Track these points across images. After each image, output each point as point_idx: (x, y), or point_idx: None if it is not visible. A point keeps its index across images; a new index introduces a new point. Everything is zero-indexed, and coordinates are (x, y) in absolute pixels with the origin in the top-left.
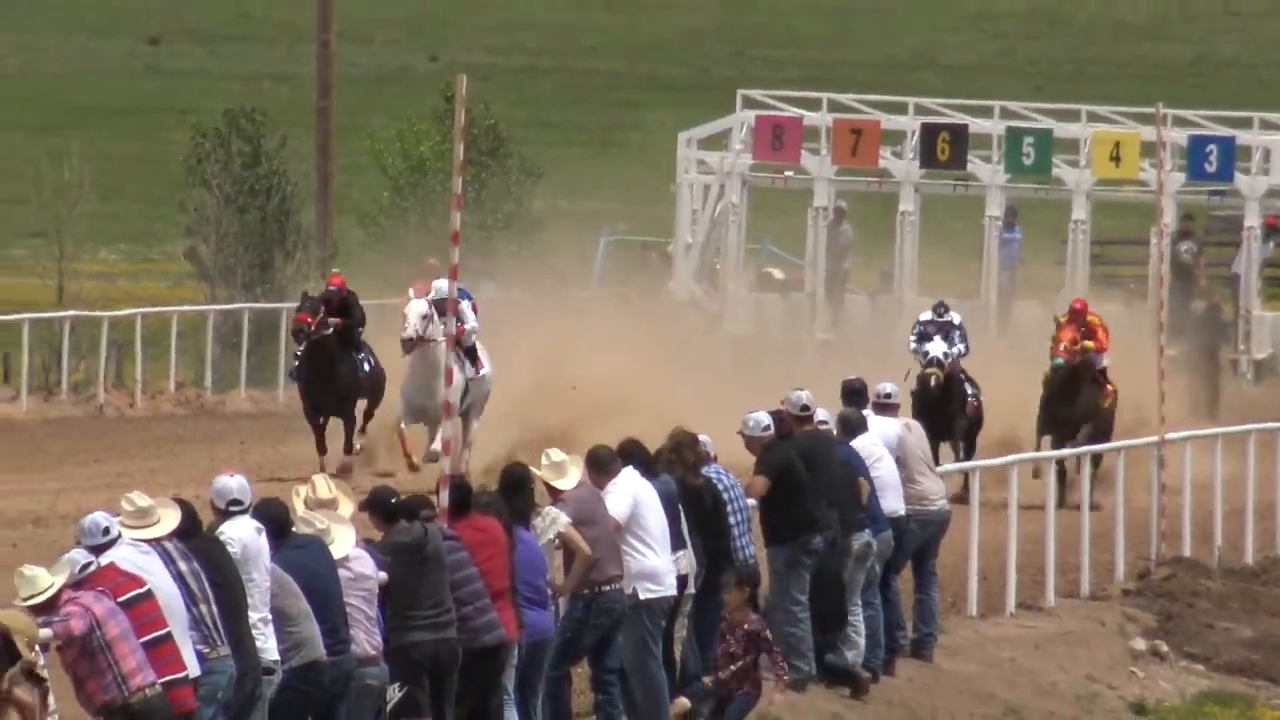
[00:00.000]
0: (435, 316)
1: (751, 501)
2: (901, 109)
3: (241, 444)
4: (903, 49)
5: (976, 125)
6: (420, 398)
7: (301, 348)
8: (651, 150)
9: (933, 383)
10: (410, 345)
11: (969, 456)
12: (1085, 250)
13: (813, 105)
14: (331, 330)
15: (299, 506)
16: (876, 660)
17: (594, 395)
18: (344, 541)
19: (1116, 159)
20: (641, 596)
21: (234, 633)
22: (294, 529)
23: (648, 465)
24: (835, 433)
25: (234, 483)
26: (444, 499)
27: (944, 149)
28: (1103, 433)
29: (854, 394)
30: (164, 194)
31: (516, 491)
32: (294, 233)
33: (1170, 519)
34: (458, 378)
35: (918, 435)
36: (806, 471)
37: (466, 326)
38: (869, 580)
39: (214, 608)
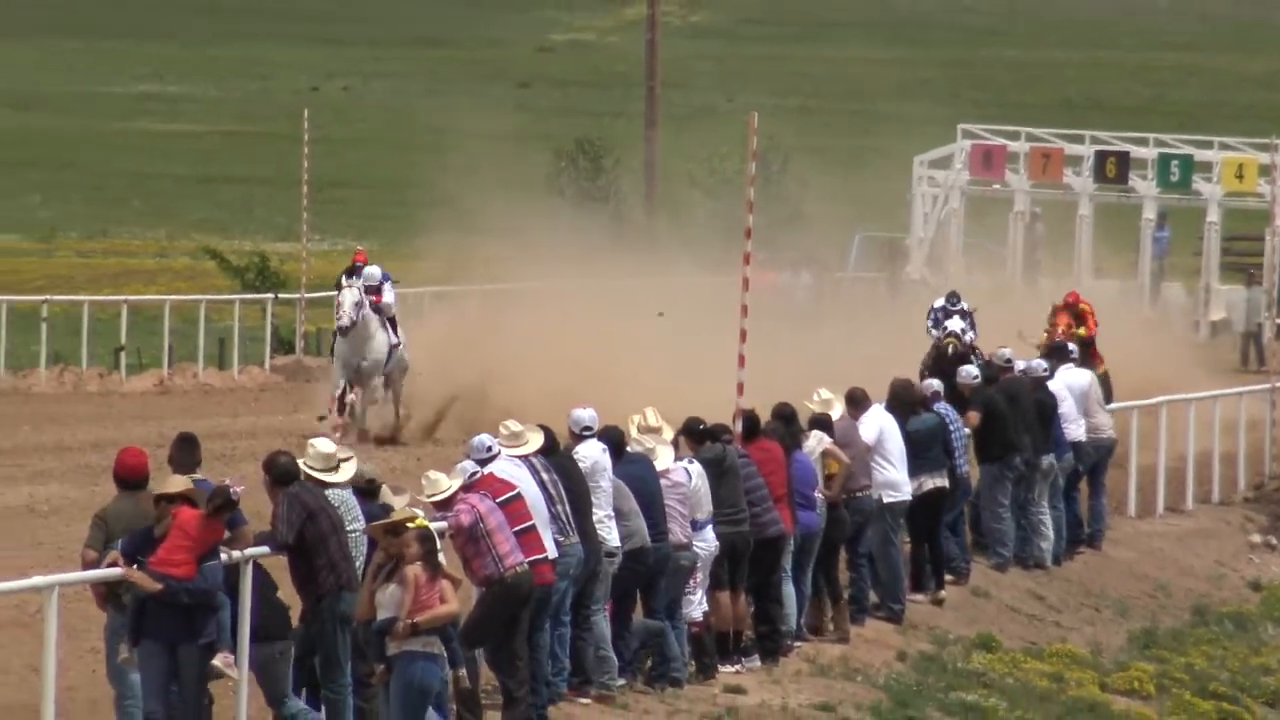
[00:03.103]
0: (366, 303)
1: (967, 430)
2: (1079, 139)
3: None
4: (1080, 94)
5: (1136, 151)
6: (354, 358)
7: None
8: (893, 169)
9: (950, 350)
10: (346, 332)
11: None
12: (1217, 244)
13: (1013, 136)
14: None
15: (632, 431)
16: (1060, 549)
17: (848, 355)
18: (665, 457)
19: (1240, 177)
20: (885, 500)
21: (581, 526)
22: (628, 448)
23: (913, 405)
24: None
25: (585, 414)
26: (738, 427)
27: (1111, 169)
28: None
29: (1057, 350)
30: (529, 199)
31: (791, 421)
32: (626, 229)
33: (1279, 445)
34: (382, 340)
35: (1095, 382)
36: (1009, 409)
37: (385, 300)
38: (1054, 490)
39: (567, 507)
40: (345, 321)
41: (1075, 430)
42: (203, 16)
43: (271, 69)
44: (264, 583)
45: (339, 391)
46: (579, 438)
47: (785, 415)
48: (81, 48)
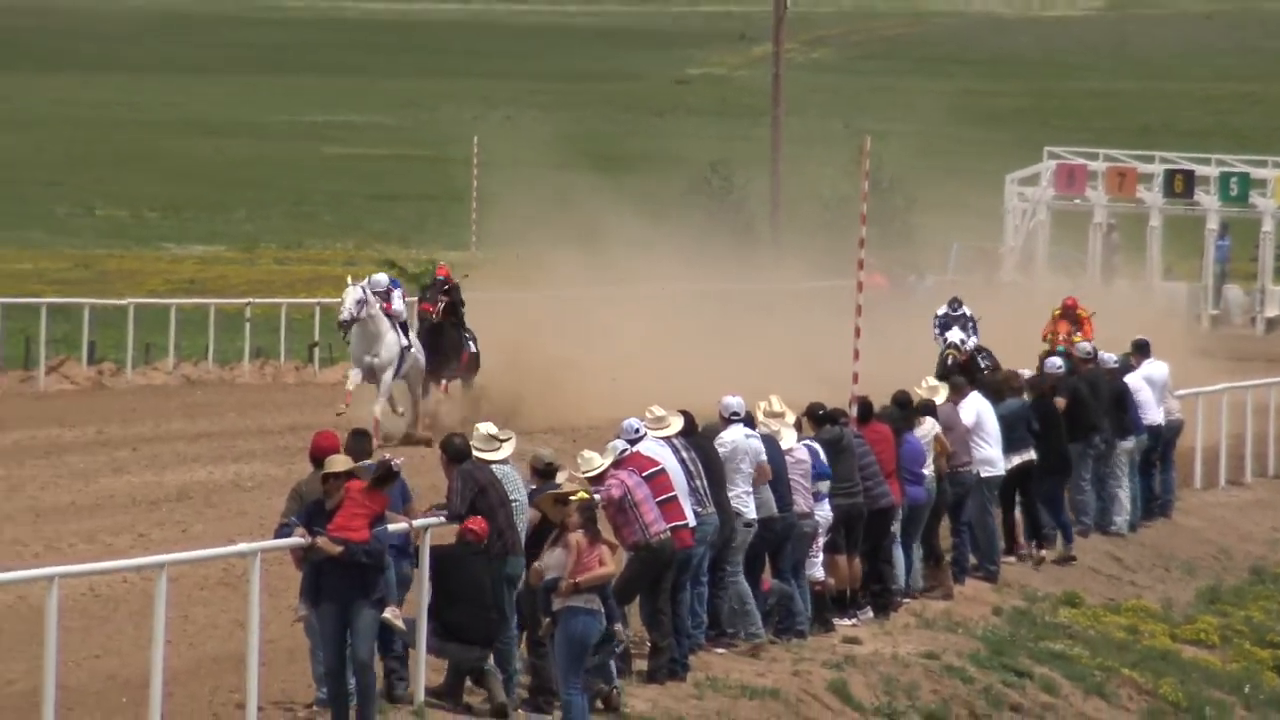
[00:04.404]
0: (370, 299)
1: None
2: (1150, 160)
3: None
4: (1153, 120)
5: (1200, 170)
6: (367, 357)
7: (422, 328)
8: (988, 186)
9: (950, 360)
10: (346, 326)
11: None
12: (1271, 250)
13: (1093, 157)
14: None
15: (759, 415)
16: (1136, 518)
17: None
18: (789, 438)
19: None
20: (982, 474)
21: (717, 498)
22: (757, 430)
23: (999, 390)
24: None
25: (734, 401)
26: (854, 411)
27: (1179, 185)
28: None
29: (1140, 346)
30: (662, 212)
31: (905, 406)
32: (753, 240)
33: None
34: (393, 340)
35: (1168, 373)
36: (1090, 395)
37: (394, 307)
38: (1131, 465)
39: (704, 481)
40: (344, 316)
41: (1155, 415)
42: (383, 54)
43: (441, 100)
44: (477, 596)
45: (351, 385)
46: (728, 422)
47: (901, 401)
48: (279, 83)
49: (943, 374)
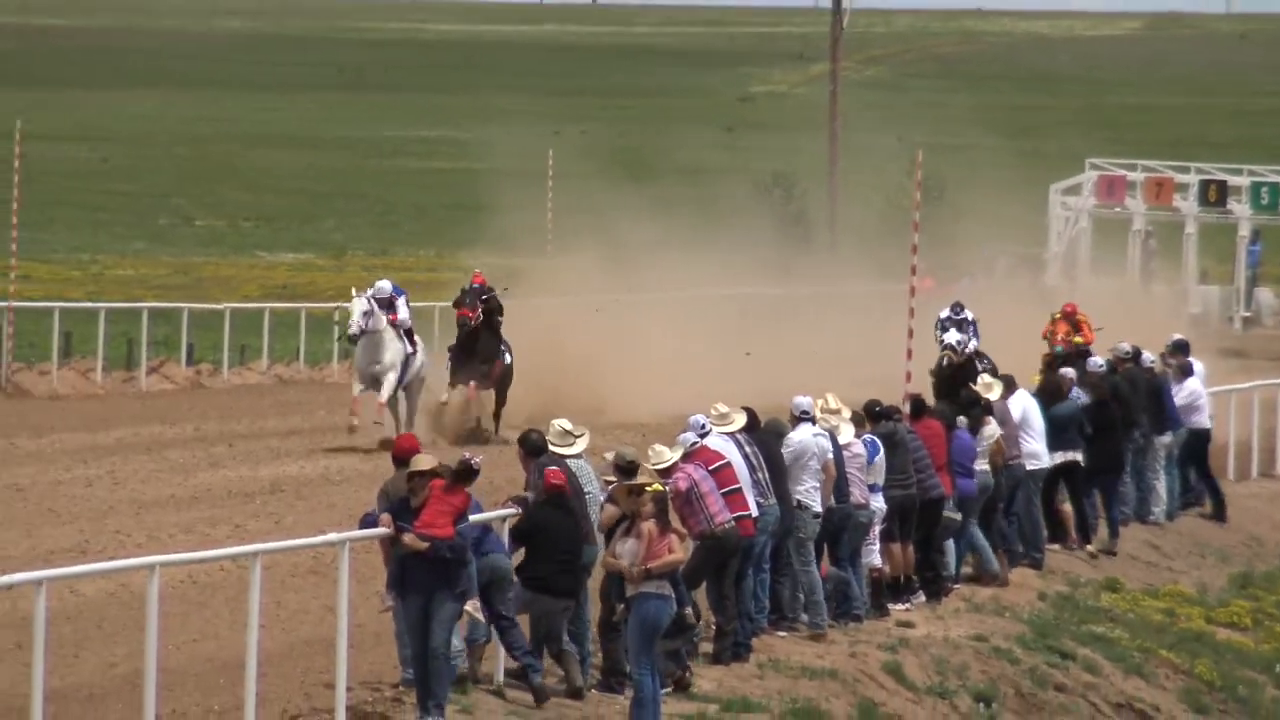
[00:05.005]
0: (375, 310)
1: None
2: (1186, 170)
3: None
4: (1187, 133)
5: (1233, 180)
6: (371, 367)
7: (459, 334)
8: (1033, 195)
9: (945, 362)
10: (355, 339)
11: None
12: None
13: (1131, 168)
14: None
15: (817, 413)
16: (1173, 508)
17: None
18: (846, 433)
19: None
20: (1029, 468)
21: (778, 490)
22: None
23: (1054, 393)
24: (1173, 372)
25: (804, 400)
26: (907, 409)
27: (1213, 194)
28: None
29: (1179, 347)
30: (723, 219)
31: (972, 406)
32: (810, 246)
33: None
34: (397, 349)
35: (1203, 371)
36: (1130, 393)
37: (400, 316)
38: (1168, 459)
39: (766, 475)
40: (354, 330)
41: (1204, 420)
42: (460, 73)
43: (517, 116)
44: (564, 550)
45: (356, 392)
46: (797, 420)
47: (969, 401)
48: (361, 100)
49: (937, 374)
